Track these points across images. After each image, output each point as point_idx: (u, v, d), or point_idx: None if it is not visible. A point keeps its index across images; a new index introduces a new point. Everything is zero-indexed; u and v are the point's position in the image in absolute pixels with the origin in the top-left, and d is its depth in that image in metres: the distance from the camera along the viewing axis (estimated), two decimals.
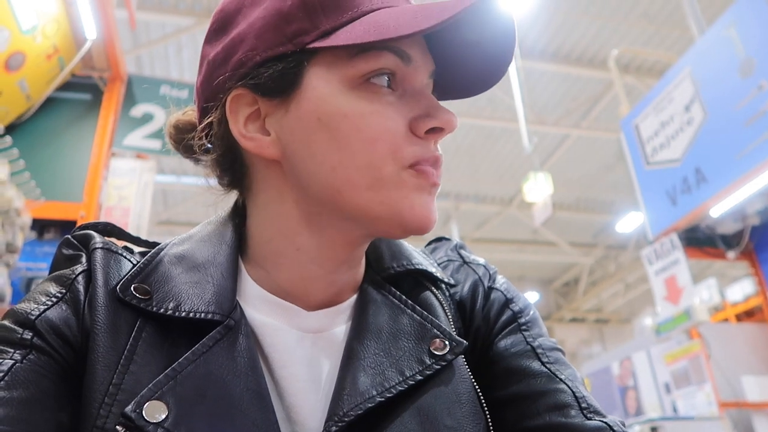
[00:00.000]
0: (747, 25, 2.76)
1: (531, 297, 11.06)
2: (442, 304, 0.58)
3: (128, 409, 0.43)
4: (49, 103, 2.32)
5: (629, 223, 8.25)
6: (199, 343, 0.48)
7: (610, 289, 10.75)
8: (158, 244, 0.58)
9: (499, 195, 8.71)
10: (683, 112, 3.15)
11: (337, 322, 0.55)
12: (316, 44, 0.49)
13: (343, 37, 0.48)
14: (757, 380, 3.22)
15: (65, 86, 2.37)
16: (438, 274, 0.60)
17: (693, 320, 3.08)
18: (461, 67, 0.56)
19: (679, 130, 3.19)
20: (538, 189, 5.57)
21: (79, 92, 2.42)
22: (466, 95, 0.59)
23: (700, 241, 3.41)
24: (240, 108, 0.53)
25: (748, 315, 4.14)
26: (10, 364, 0.45)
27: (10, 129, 2.20)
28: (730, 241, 3.43)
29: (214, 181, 0.59)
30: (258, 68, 0.51)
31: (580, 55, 6.33)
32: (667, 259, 3.33)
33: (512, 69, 5.55)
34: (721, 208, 3.06)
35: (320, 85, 0.50)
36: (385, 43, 0.49)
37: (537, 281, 11.62)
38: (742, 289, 4.18)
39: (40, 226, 2.19)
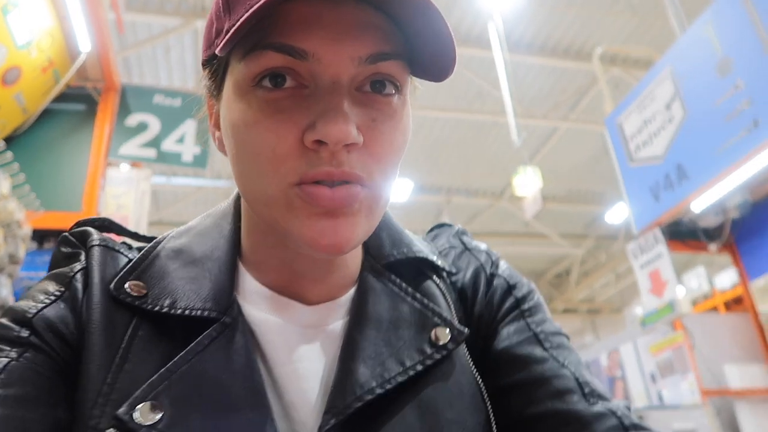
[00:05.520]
0: (723, 25, 2.82)
1: None
2: (443, 293, 0.57)
3: (120, 411, 0.42)
4: (45, 114, 2.36)
5: (619, 213, 8.24)
6: (195, 342, 0.46)
7: (602, 279, 10.81)
8: (156, 238, 0.57)
9: (489, 188, 8.75)
10: (664, 110, 3.21)
11: (337, 316, 0.53)
12: (218, 48, 0.44)
13: (224, 37, 0.44)
14: (738, 368, 3.28)
15: (60, 97, 2.40)
16: (438, 262, 0.58)
17: (676, 312, 3.15)
18: (421, 50, 0.47)
19: (660, 127, 3.25)
20: (528, 183, 5.64)
21: (74, 103, 2.45)
22: (435, 79, 0.49)
23: (683, 234, 3.47)
24: (213, 106, 0.54)
25: (736, 302, 4.12)
26: (5, 362, 0.44)
27: (8, 141, 2.24)
28: (712, 234, 3.49)
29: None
30: (204, 68, 0.52)
31: (566, 48, 6.36)
32: (650, 253, 3.40)
33: (499, 62, 5.60)
34: (703, 203, 3.11)
35: (227, 90, 0.48)
36: (267, 41, 0.43)
37: (529, 273, 11.68)
38: (729, 278, 4.16)
39: (40, 236, 2.24)
